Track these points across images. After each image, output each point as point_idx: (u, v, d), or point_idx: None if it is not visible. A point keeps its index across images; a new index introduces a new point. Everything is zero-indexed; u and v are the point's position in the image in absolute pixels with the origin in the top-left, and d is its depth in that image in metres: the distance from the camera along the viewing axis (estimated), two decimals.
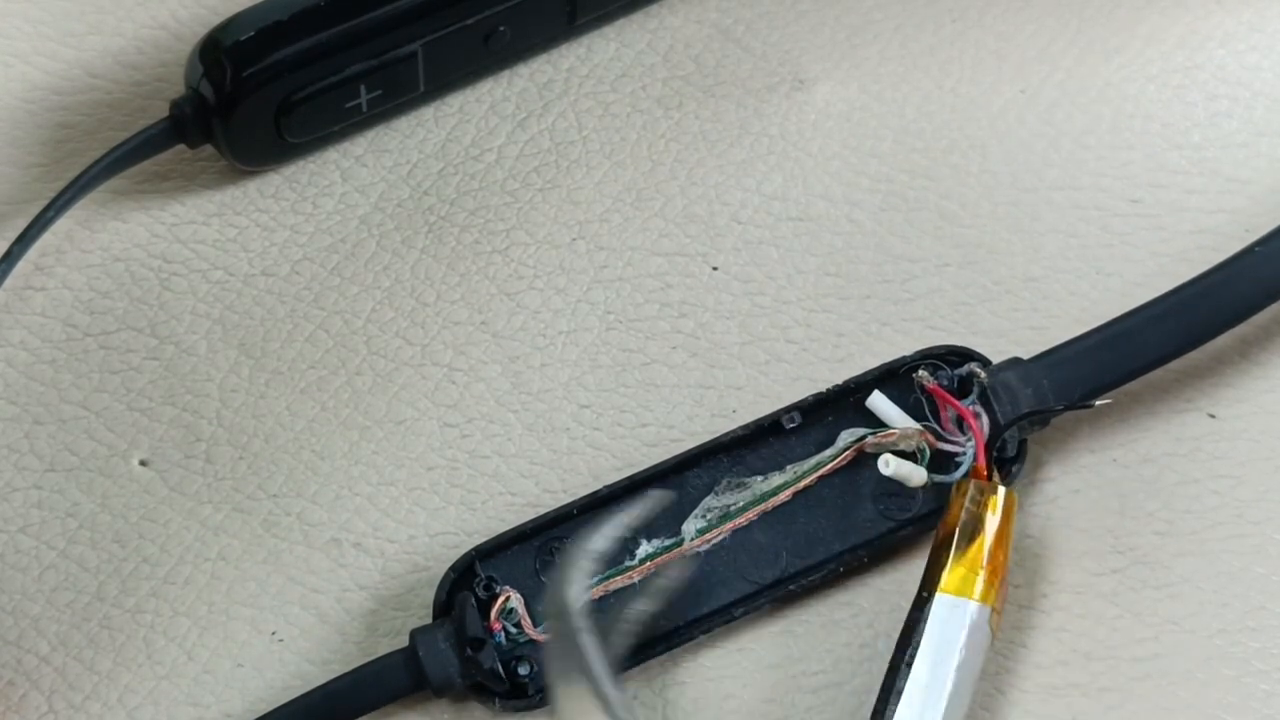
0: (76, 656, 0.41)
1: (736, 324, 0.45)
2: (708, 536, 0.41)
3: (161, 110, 0.46)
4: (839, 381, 0.43)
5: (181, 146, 0.46)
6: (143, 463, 0.43)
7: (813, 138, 0.48)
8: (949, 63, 0.50)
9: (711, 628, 0.40)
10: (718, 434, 0.42)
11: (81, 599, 0.41)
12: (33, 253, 0.45)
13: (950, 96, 0.49)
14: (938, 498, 0.41)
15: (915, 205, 0.47)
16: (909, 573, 0.41)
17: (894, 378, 0.42)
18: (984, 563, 0.39)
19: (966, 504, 0.39)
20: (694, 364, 0.45)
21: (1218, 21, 0.50)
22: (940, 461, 0.41)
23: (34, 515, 0.42)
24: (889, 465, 0.40)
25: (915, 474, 0.41)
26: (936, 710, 0.37)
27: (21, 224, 0.44)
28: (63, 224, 0.46)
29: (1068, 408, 0.41)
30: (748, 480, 0.41)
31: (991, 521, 0.39)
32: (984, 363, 0.42)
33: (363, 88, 0.46)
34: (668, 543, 0.41)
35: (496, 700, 0.39)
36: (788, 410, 0.42)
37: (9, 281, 0.44)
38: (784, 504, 0.41)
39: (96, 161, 0.45)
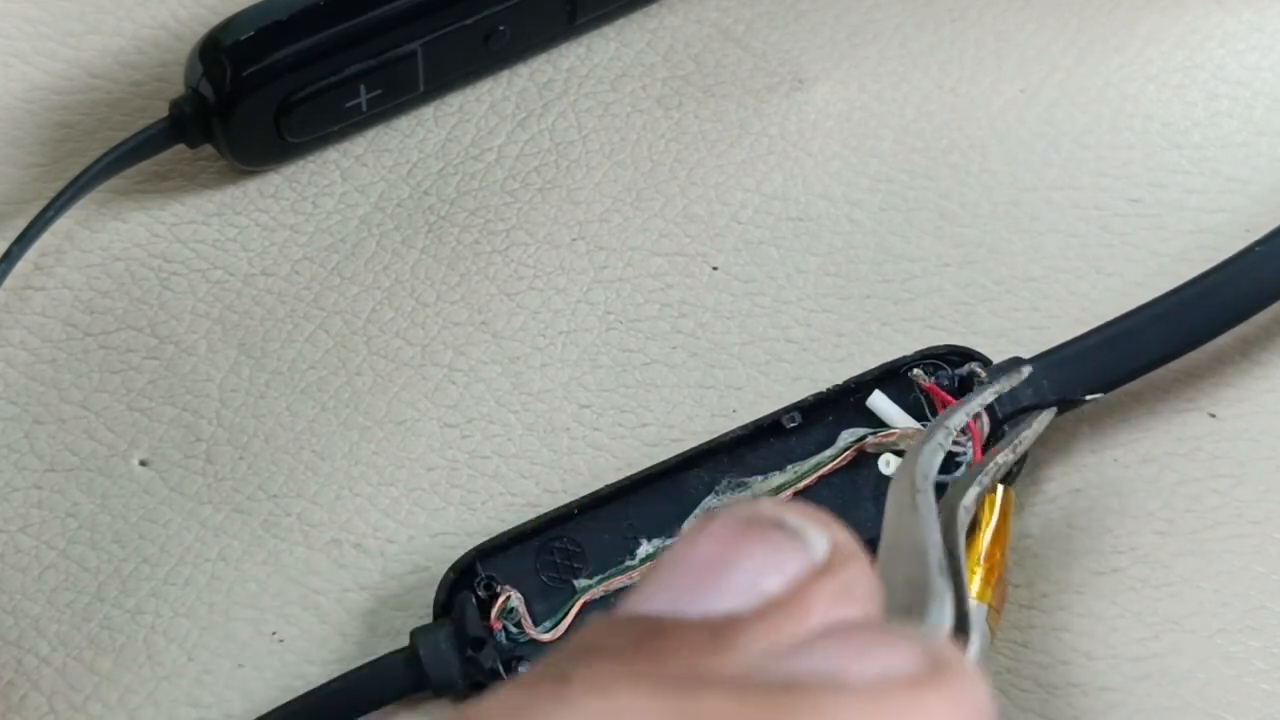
0: (77, 657, 0.41)
1: (736, 324, 0.45)
2: None
3: (161, 110, 0.46)
4: (839, 381, 0.43)
5: (181, 146, 0.46)
6: (143, 463, 0.43)
7: (812, 137, 0.48)
8: (949, 62, 0.50)
9: None
10: (718, 434, 0.42)
11: (81, 599, 0.41)
12: (33, 253, 0.45)
13: (950, 96, 0.49)
14: (938, 496, 0.41)
15: (915, 205, 0.47)
16: None
17: (894, 377, 0.42)
18: (980, 560, 0.39)
19: None
20: (694, 364, 0.45)
21: (1218, 21, 0.50)
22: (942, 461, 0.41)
23: (34, 515, 0.42)
24: (890, 465, 0.41)
25: None
26: None
27: (21, 224, 0.44)
28: (62, 224, 0.46)
29: (1060, 402, 0.41)
30: (748, 480, 0.41)
31: (989, 520, 0.39)
32: (984, 362, 0.42)
33: (362, 87, 0.46)
34: (668, 543, 0.41)
35: None
36: (788, 410, 0.42)
37: (9, 281, 0.44)
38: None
39: (96, 161, 0.45)
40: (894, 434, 0.41)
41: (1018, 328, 0.45)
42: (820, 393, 0.42)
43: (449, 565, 0.40)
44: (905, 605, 0.27)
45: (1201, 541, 0.42)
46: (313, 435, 0.44)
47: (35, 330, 0.45)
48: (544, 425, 0.44)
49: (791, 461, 0.42)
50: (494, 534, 0.41)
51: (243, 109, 0.45)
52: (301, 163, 0.48)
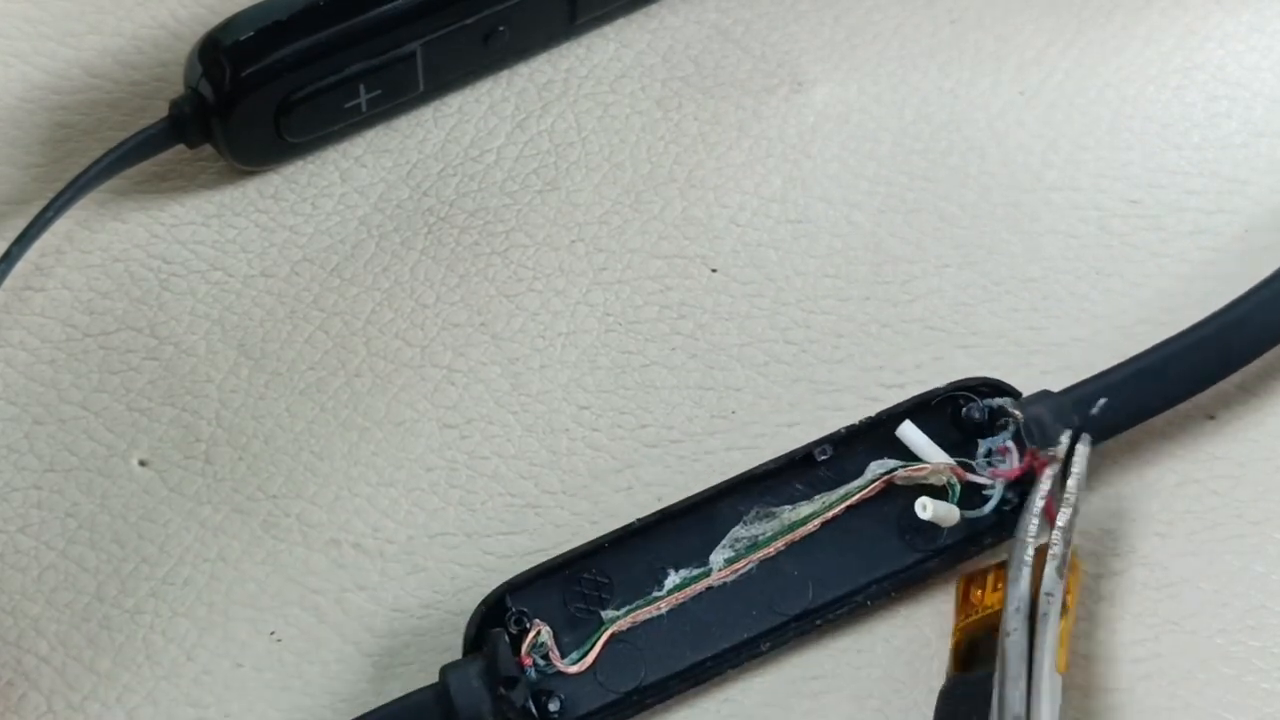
0: (76, 657, 0.40)
1: (735, 325, 0.45)
2: (735, 567, 0.40)
3: (161, 110, 0.46)
4: (835, 380, 0.43)
5: (181, 146, 0.46)
6: (142, 463, 0.43)
7: (811, 139, 0.48)
8: (948, 64, 0.50)
9: (739, 663, 0.40)
10: (749, 467, 0.41)
11: (81, 599, 0.41)
12: (32, 253, 0.45)
13: (949, 98, 0.49)
14: (963, 528, 0.41)
15: (914, 206, 0.47)
16: (927, 604, 0.41)
17: (925, 409, 0.42)
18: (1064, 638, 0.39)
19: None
20: (693, 365, 0.45)
21: (1217, 22, 0.50)
22: (969, 494, 0.41)
23: (33, 515, 0.42)
24: (926, 510, 0.39)
25: (950, 515, 0.40)
26: None
27: (21, 224, 0.44)
28: (62, 224, 0.46)
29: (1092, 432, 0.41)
30: (776, 510, 0.41)
31: (1073, 599, 0.39)
32: (1014, 395, 0.42)
33: (362, 87, 0.46)
34: (695, 573, 0.40)
35: None
36: (819, 443, 0.41)
37: (8, 282, 0.44)
38: (812, 534, 0.40)
39: (96, 161, 0.45)
40: (925, 469, 0.41)
41: (1017, 328, 0.45)
42: (852, 425, 0.42)
43: (449, 564, 0.40)
44: None
45: (1201, 542, 0.42)
46: (312, 436, 0.43)
47: (35, 331, 0.45)
48: (543, 426, 0.44)
49: (820, 491, 0.41)
50: (493, 533, 0.41)
51: (242, 109, 0.45)
52: (301, 163, 0.48)
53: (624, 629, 0.40)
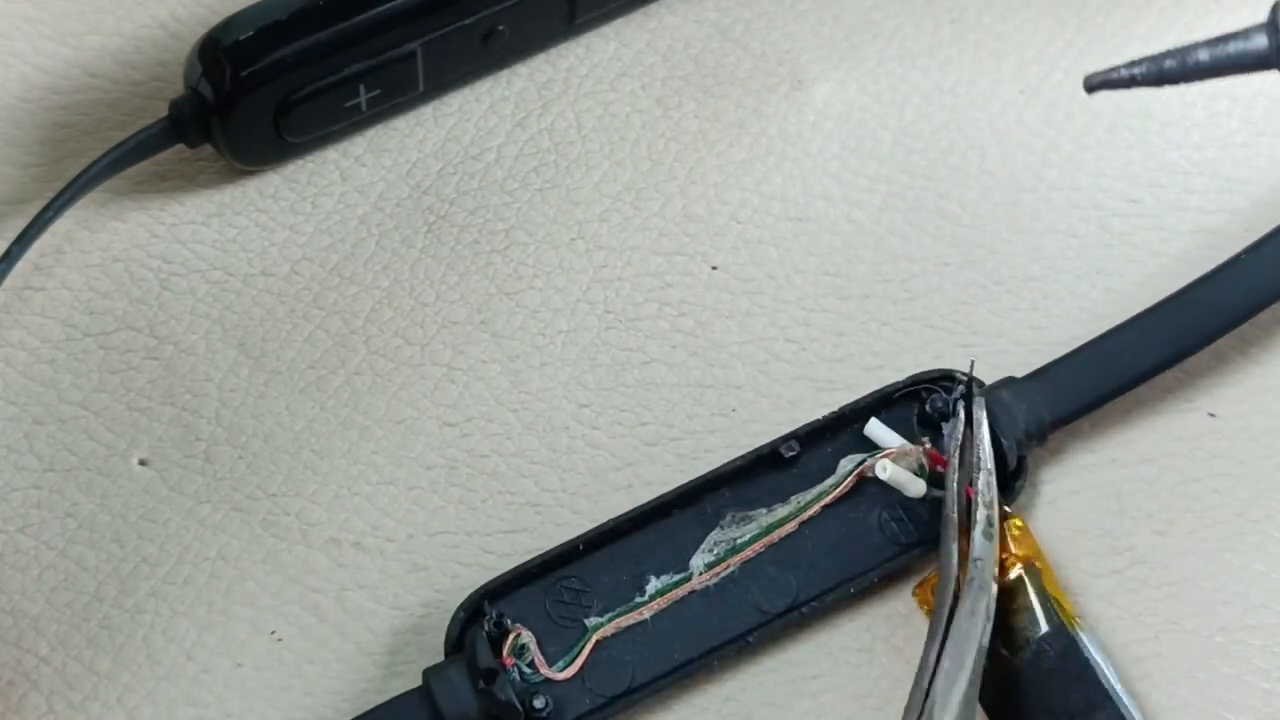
0: (76, 656, 0.41)
1: (736, 323, 0.45)
2: (716, 570, 0.40)
3: (160, 110, 0.46)
4: (835, 379, 0.43)
5: (180, 146, 0.46)
6: (142, 462, 0.43)
7: (812, 138, 0.48)
8: (948, 63, 0.50)
9: (727, 655, 0.40)
10: (716, 466, 0.42)
11: (81, 599, 0.41)
12: (32, 253, 0.45)
13: (949, 97, 0.49)
14: (940, 517, 0.41)
15: (914, 205, 0.47)
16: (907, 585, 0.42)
17: (889, 403, 0.42)
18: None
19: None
20: (693, 363, 0.45)
21: (1216, 21, 0.50)
22: (940, 479, 0.41)
23: (33, 515, 0.42)
24: (885, 470, 0.40)
25: (912, 482, 0.41)
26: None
27: (21, 224, 0.44)
28: (62, 224, 0.46)
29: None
30: (752, 514, 0.41)
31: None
32: (977, 383, 0.42)
33: (362, 87, 0.46)
34: (676, 578, 0.40)
35: None
36: (786, 439, 0.42)
37: (8, 281, 0.44)
38: (791, 534, 0.41)
39: (95, 161, 0.45)
40: (892, 453, 0.41)
41: (1017, 327, 0.45)
42: (816, 420, 0.42)
43: (445, 563, 0.40)
44: None
45: (1201, 541, 0.42)
46: (312, 434, 0.44)
47: (35, 330, 0.45)
48: (543, 424, 0.44)
49: (792, 490, 0.42)
50: (493, 532, 0.41)
51: (242, 109, 0.45)
52: (301, 163, 0.48)
53: (609, 635, 0.40)
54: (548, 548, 0.41)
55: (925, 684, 0.37)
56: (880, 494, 0.41)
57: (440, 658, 0.40)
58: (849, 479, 0.41)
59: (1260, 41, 0.35)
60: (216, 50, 0.45)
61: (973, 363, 0.42)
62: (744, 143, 0.48)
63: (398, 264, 0.46)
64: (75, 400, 0.44)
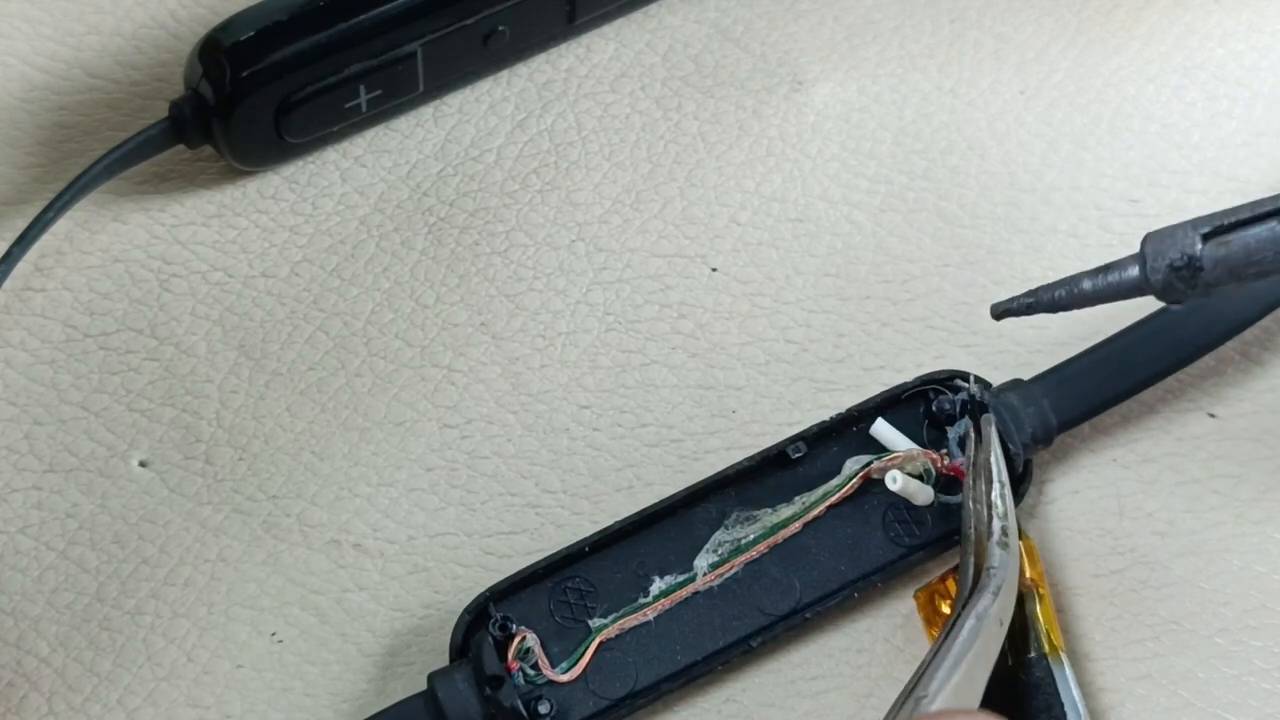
0: (76, 658, 0.41)
1: (736, 325, 0.45)
2: (720, 571, 0.40)
3: (161, 110, 0.46)
4: (837, 381, 0.43)
5: (181, 147, 0.46)
6: (142, 464, 0.43)
7: (812, 139, 0.48)
8: (948, 64, 0.50)
9: (730, 659, 0.40)
10: (723, 468, 0.42)
11: (81, 600, 0.41)
12: (32, 253, 0.45)
13: (949, 97, 0.49)
14: (946, 520, 0.41)
15: (914, 206, 0.47)
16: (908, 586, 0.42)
17: (896, 404, 0.42)
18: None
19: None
20: (693, 364, 0.45)
21: (1217, 21, 0.50)
22: (947, 482, 0.41)
23: (33, 516, 0.42)
24: (896, 481, 0.40)
25: (922, 491, 0.41)
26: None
27: (21, 225, 0.44)
28: (62, 225, 0.46)
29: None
30: (756, 514, 0.41)
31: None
32: (985, 385, 0.42)
33: (362, 88, 0.46)
34: (680, 579, 0.40)
35: None
36: (793, 440, 0.42)
37: (9, 282, 0.44)
38: (795, 535, 0.41)
39: (96, 162, 0.45)
40: (898, 457, 0.41)
41: (1018, 328, 0.45)
42: (824, 421, 0.42)
43: (447, 564, 0.40)
44: None
45: (1201, 541, 0.42)
46: (312, 436, 0.44)
47: (35, 331, 0.45)
48: (543, 426, 0.44)
49: (798, 491, 0.41)
50: (493, 533, 0.41)
51: (242, 109, 0.45)
52: (301, 164, 0.48)
53: (612, 636, 0.40)
54: (548, 549, 0.41)
55: (913, 681, 0.37)
56: (885, 494, 0.41)
57: (441, 659, 0.40)
58: (855, 480, 0.41)
59: (1133, 271, 0.37)
60: (217, 51, 0.45)
61: (973, 377, 0.42)
62: (744, 144, 0.48)
63: (398, 266, 0.46)
64: (75, 401, 0.44)
